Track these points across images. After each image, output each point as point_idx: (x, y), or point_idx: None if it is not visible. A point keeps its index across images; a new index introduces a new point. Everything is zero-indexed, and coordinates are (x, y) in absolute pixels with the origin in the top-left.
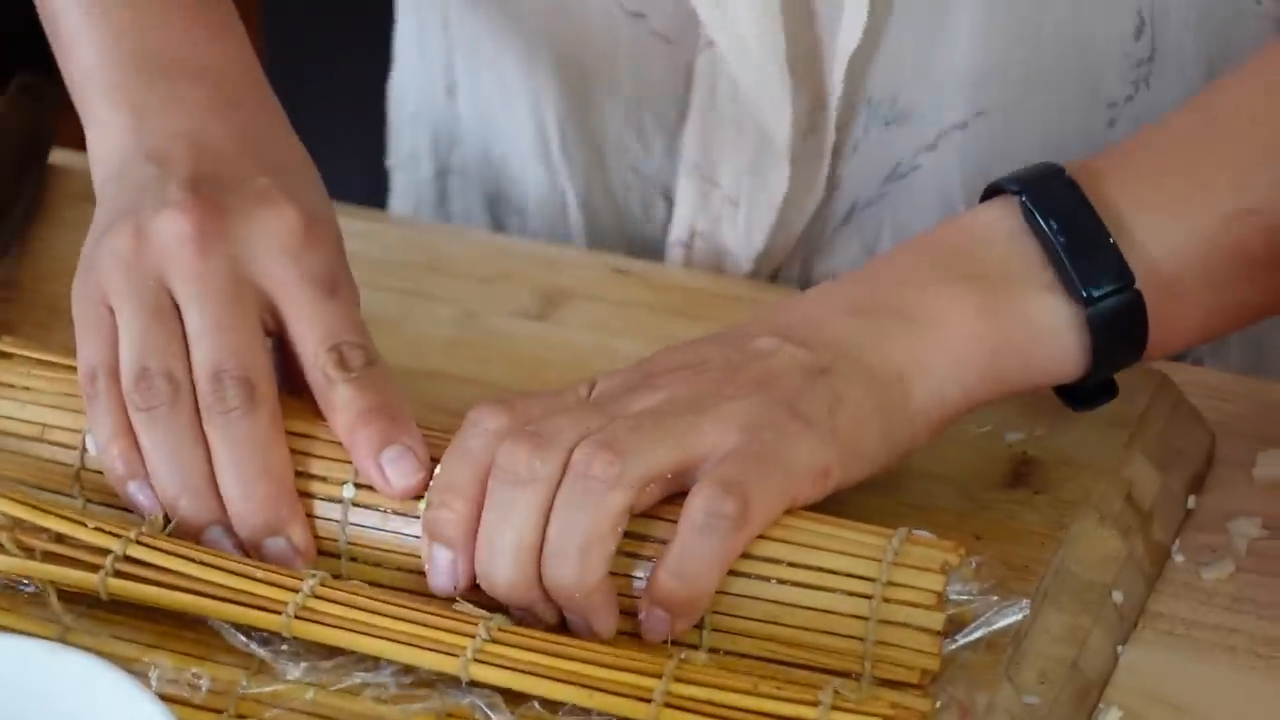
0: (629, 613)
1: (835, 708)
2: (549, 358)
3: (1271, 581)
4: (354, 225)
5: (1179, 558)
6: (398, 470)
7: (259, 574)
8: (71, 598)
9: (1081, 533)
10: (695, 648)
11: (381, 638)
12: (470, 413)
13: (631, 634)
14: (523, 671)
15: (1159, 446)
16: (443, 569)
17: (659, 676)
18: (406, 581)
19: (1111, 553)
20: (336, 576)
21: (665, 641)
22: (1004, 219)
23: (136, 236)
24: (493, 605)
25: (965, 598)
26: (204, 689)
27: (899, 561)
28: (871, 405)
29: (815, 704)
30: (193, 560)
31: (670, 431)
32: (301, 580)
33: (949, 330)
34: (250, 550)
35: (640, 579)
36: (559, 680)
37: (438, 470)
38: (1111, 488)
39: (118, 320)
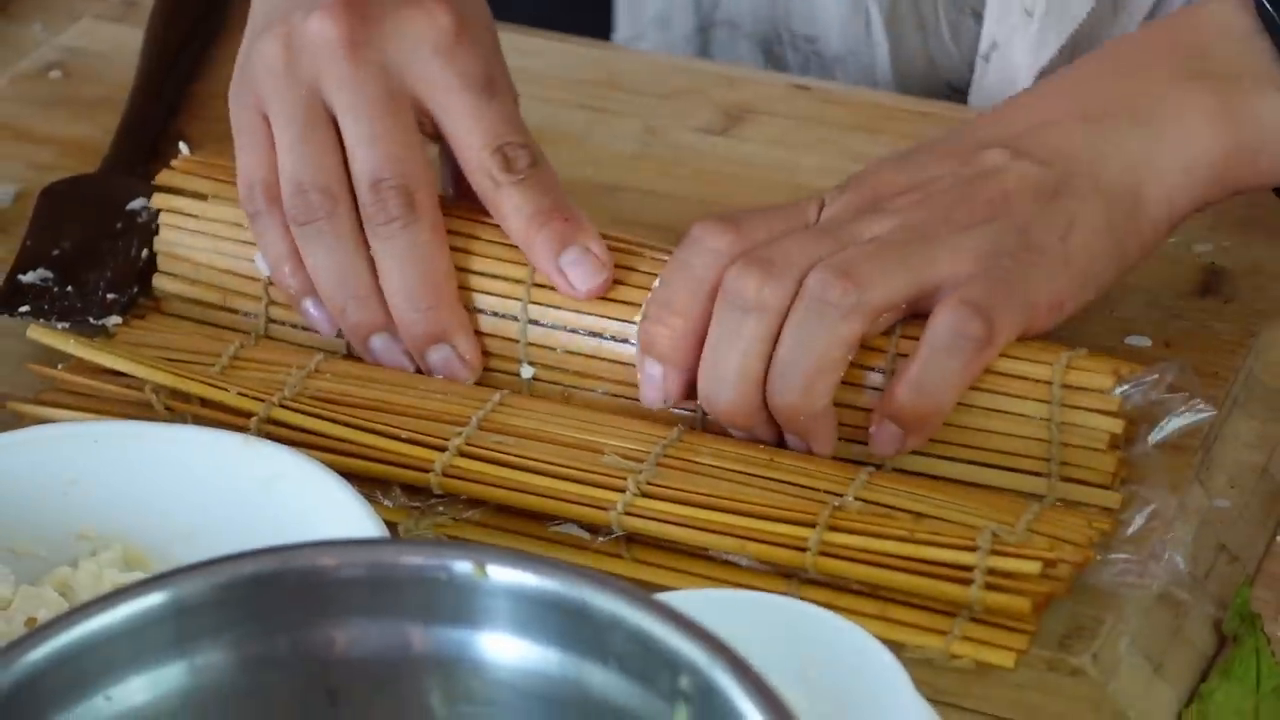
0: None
1: (994, 552)
2: (733, 172)
3: None
4: (530, 43)
5: None
6: (580, 272)
7: (403, 434)
8: None
9: (1271, 341)
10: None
11: (533, 493)
12: (693, 228)
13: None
14: (674, 524)
15: None
16: (654, 384)
17: (813, 526)
18: (585, 384)
19: None
20: (514, 392)
21: (892, 453)
22: (1236, 16)
23: (287, 43)
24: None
25: (1153, 398)
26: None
27: (1074, 365)
28: (1104, 223)
29: (974, 548)
30: (334, 421)
31: (907, 261)
32: (447, 440)
33: (1185, 133)
34: (417, 358)
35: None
36: (712, 531)
37: (655, 284)
38: None
39: (273, 130)
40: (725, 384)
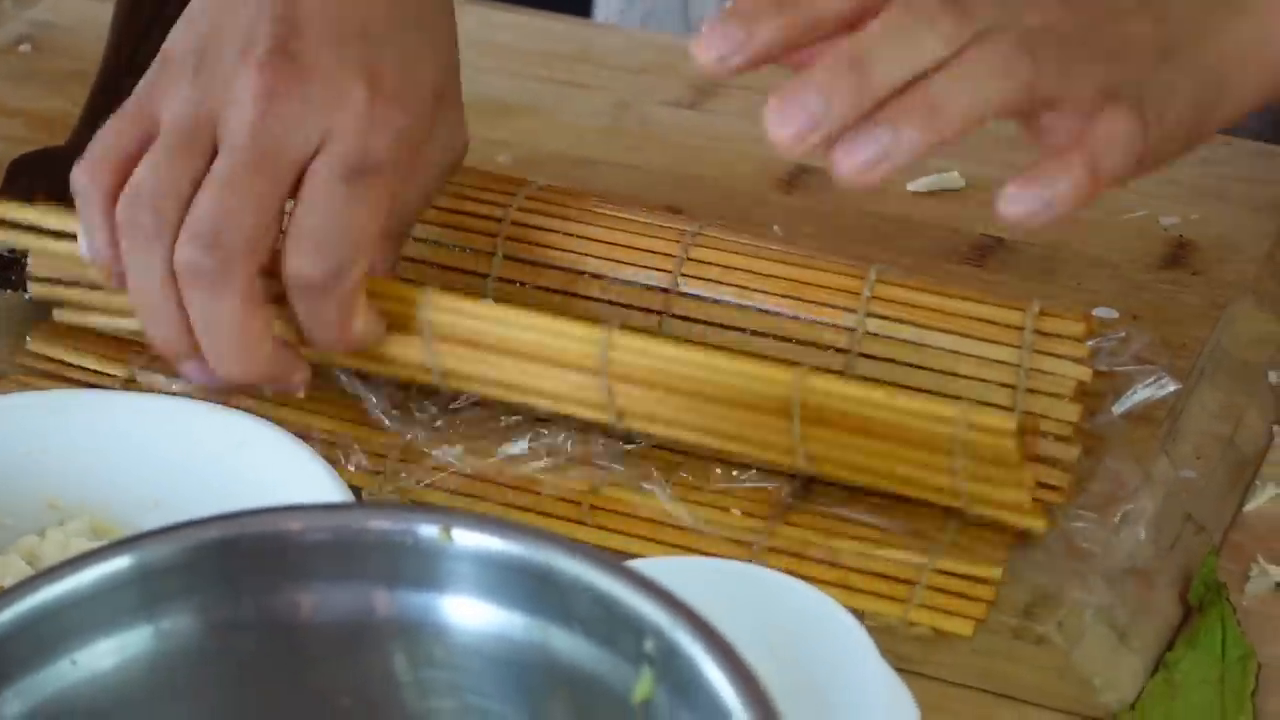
0: None
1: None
2: (703, 145)
3: None
4: (502, 17)
5: None
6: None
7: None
8: None
9: (1238, 314)
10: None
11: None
12: None
13: None
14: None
15: None
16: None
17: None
18: None
19: (1267, 334)
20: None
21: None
22: None
23: (211, 69)
24: None
25: (1120, 364)
26: (358, 460)
27: (1046, 312)
28: (1193, 103)
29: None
30: None
31: (1011, 71)
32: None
33: (1273, 26)
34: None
35: None
36: (699, 431)
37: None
38: (1267, 270)
39: (159, 130)
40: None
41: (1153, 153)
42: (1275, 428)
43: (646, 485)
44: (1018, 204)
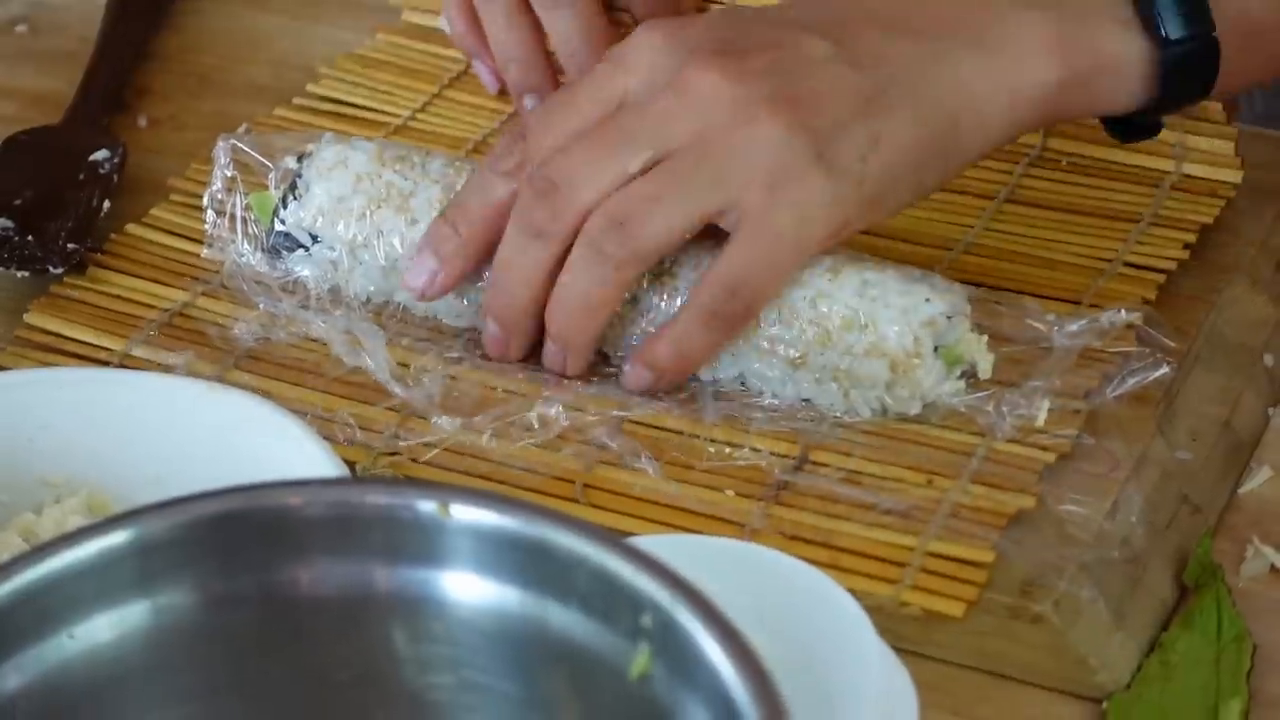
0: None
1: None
2: None
3: None
4: None
5: None
6: None
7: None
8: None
9: (1235, 297)
10: None
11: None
12: (499, 141)
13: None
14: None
15: None
16: (427, 276)
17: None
18: None
19: (1263, 317)
20: None
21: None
22: None
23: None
24: None
25: (1116, 350)
26: (356, 433)
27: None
28: (911, 145)
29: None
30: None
31: (689, 196)
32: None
33: (1018, 60)
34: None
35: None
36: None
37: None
38: (1263, 254)
39: None
40: (508, 296)
41: (861, 208)
42: (1271, 410)
43: (639, 464)
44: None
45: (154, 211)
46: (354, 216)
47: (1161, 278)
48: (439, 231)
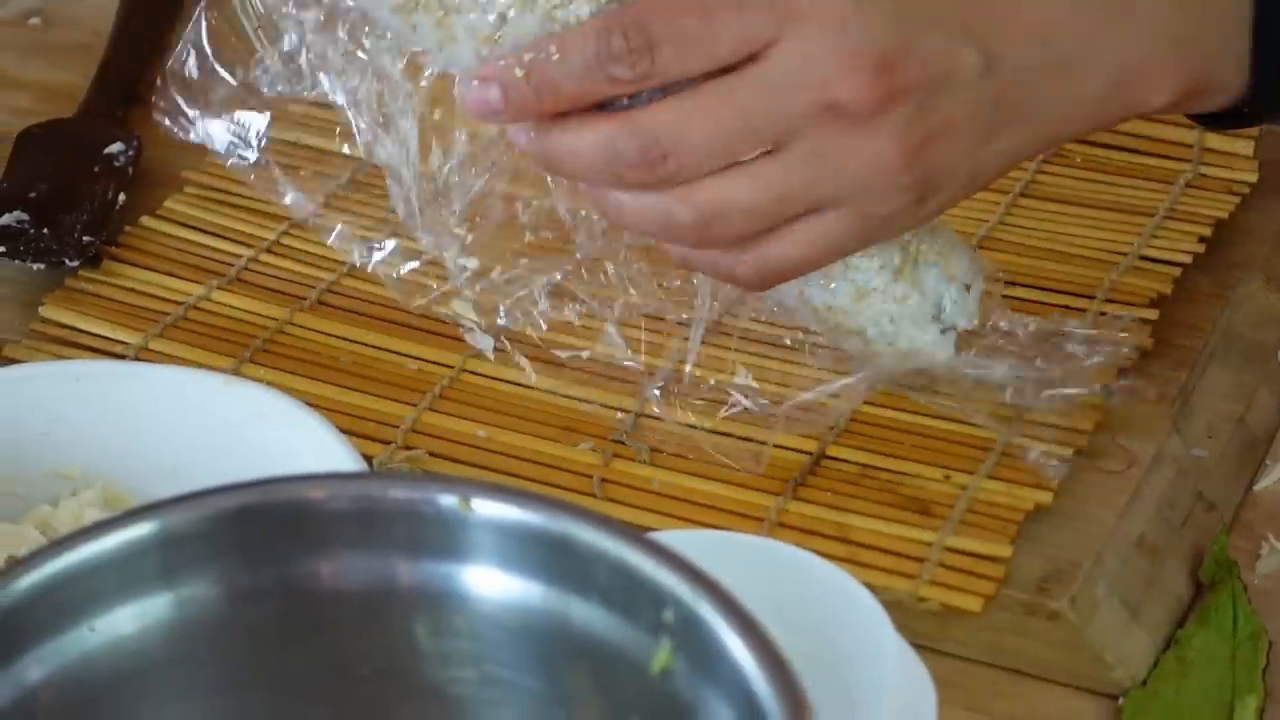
0: None
1: None
2: None
3: None
4: None
5: None
6: None
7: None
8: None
9: (1249, 294)
10: None
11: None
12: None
13: None
14: None
15: None
16: (489, 103)
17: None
18: None
19: (1277, 314)
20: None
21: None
22: None
23: None
24: None
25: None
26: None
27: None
28: (1004, 169)
29: None
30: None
31: (786, 204)
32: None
33: (1144, 95)
34: None
35: None
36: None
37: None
38: (1277, 251)
39: None
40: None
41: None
42: None
43: (656, 459)
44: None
45: (168, 204)
46: None
47: (1176, 271)
48: (514, 82)
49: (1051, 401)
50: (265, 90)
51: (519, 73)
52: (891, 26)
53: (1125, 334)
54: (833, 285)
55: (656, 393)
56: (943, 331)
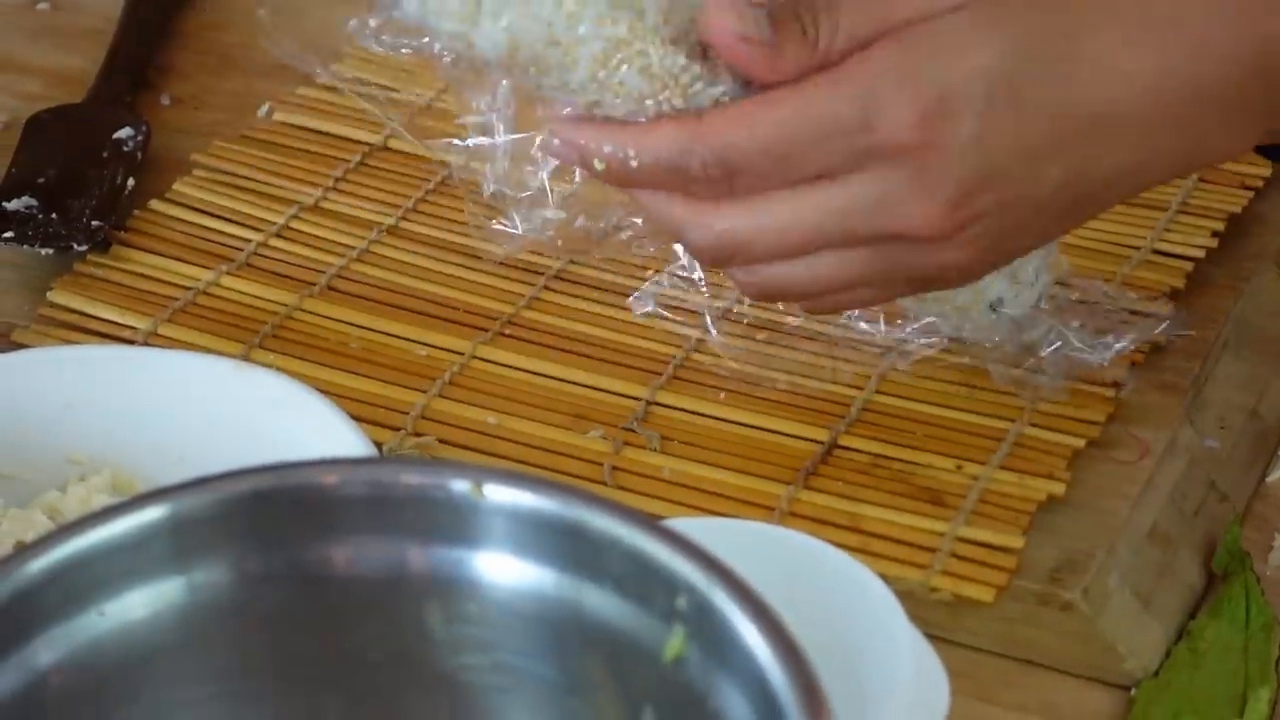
0: None
1: None
2: None
3: None
4: None
5: None
6: None
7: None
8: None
9: (1262, 285)
10: None
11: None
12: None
13: None
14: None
15: None
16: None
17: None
18: None
19: None
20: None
21: None
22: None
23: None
24: None
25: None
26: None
27: None
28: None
29: None
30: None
31: (847, 300)
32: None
33: (1205, 161)
34: None
35: None
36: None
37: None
38: None
39: None
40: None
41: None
42: None
43: (667, 447)
44: None
45: (177, 188)
46: None
47: (1189, 265)
48: (596, 150)
49: (1074, 367)
50: None
51: (599, 165)
52: (972, 156)
53: (1156, 307)
54: None
55: (711, 320)
56: (994, 310)
